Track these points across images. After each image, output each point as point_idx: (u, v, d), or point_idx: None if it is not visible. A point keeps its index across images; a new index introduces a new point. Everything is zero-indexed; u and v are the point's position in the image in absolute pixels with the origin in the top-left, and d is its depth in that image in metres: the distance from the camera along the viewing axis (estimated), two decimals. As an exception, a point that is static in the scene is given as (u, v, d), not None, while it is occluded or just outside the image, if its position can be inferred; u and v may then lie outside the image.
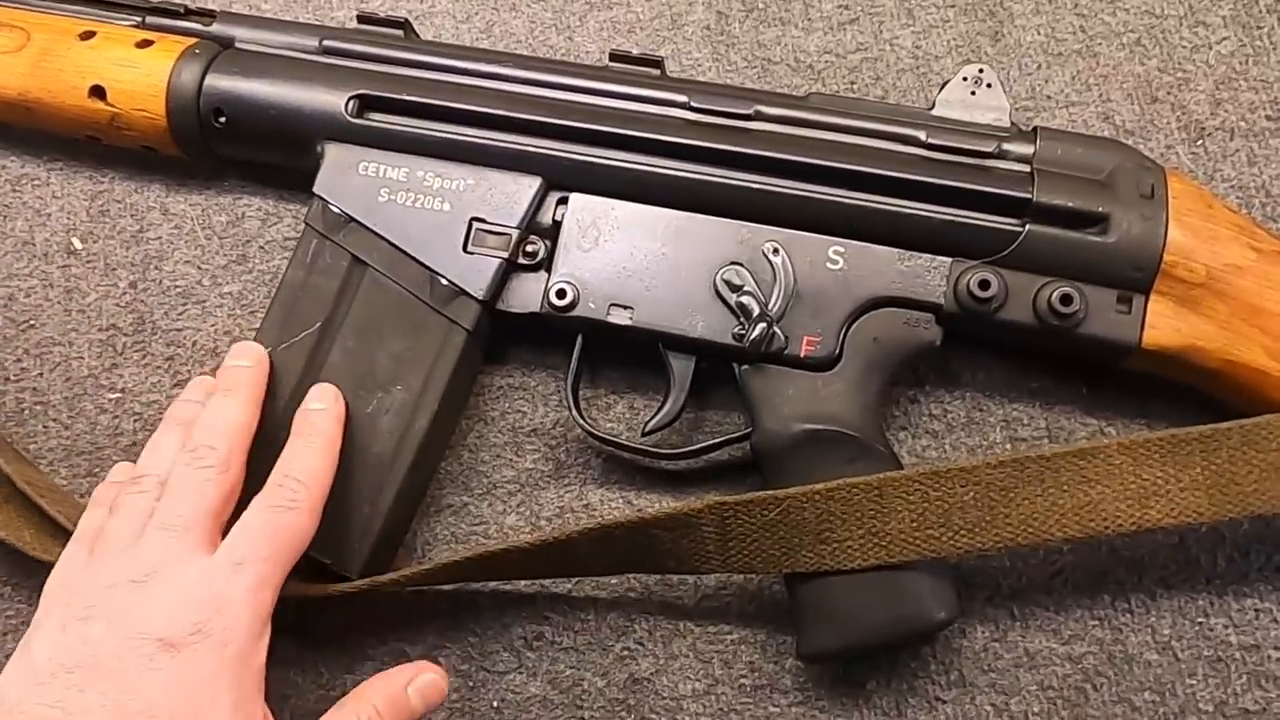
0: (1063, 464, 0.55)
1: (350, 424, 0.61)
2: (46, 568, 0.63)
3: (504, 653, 0.63)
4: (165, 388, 0.69)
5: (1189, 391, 0.61)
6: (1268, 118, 0.68)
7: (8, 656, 0.65)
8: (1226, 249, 0.58)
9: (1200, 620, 0.61)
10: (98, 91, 0.66)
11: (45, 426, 0.69)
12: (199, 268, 0.71)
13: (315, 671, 0.64)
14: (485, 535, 0.65)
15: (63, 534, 0.62)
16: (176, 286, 0.71)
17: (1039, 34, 0.71)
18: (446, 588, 0.64)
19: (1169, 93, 0.69)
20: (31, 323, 0.71)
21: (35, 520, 0.64)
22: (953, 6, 0.72)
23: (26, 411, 0.69)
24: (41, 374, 0.70)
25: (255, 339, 0.63)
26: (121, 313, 0.70)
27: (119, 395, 0.69)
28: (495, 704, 0.63)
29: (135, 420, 0.69)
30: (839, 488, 0.56)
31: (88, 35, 0.67)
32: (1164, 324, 0.58)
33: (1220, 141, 0.68)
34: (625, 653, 0.63)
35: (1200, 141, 0.68)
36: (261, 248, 0.71)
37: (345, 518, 0.60)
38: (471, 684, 0.63)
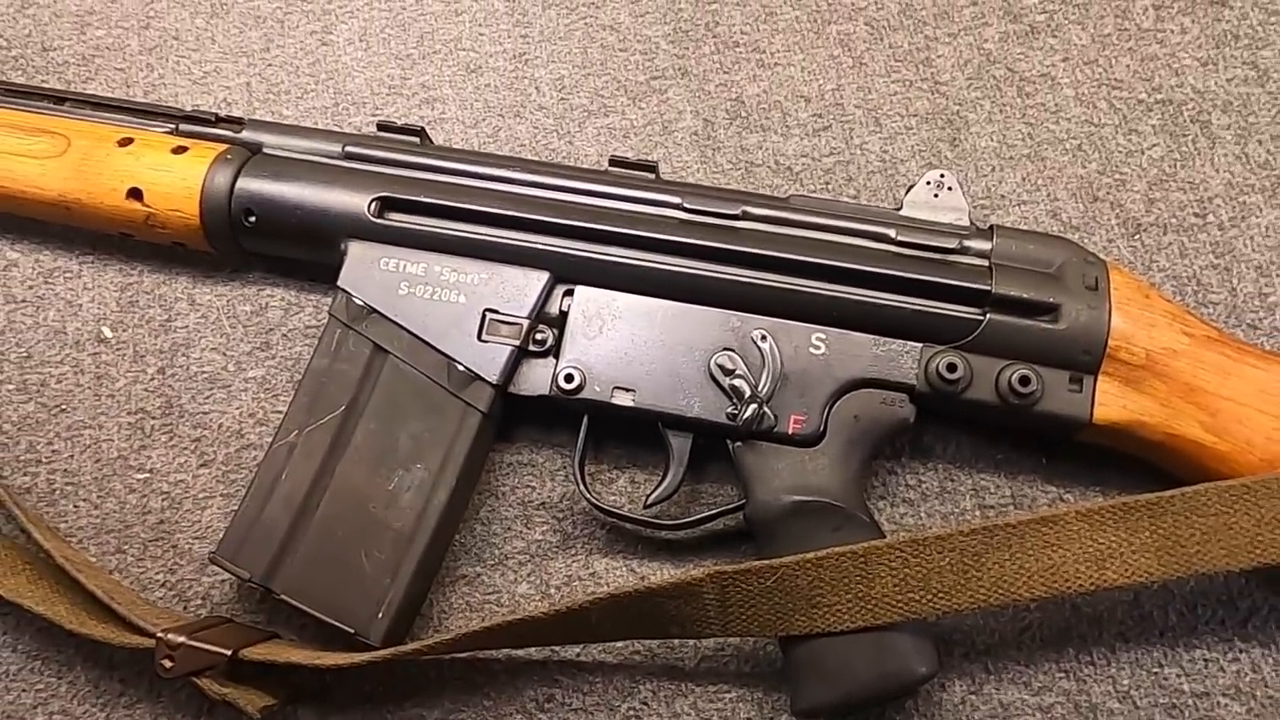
0: (1028, 530, 0.61)
1: (373, 500, 0.66)
2: (80, 641, 0.67)
3: (517, 715, 0.67)
4: (192, 468, 0.73)
5: (1137, 462, 0.68)
6: (1196, 215, 0.77)
7: (37, 730, 0.68)
8: (1163, 334, 0.65)
9: (1156, 670, 0.67)
10: (135, 194, 0.71)
11: (76, 506, 0.73)
12: (224, 354, 0.76)
13: (337, 737, 0.67)
14: (498, 604, 0.70)
15: (98, 607, 0.65)
16: (203, 372, 0.75)
17: (992, 140, 0.79)
18: (461, 655, 0.68)
19: (1108, 192, 0.78)
20: (63, 407, 0.75)
21: (69, 595, 0.67)
22: (915, 115, 0.80)
23: (58, 492, 0.73)
24: (72, 456, 0.74)
25: (283, 423, 0.67)
26: (150, 397, 0.75)
27: (147, 475, 0.73)
28: (510, 764, 0.67)
29: (163, 499, 0.73)
30: (828, 556, 0.61)
31: (126, 141, 0.73)
32: (1111, 401, 0.64)
33: (1155, 236, 0.76)
34: (631, 713, 0.67)
35: (1137, 236, 0.76)
36: (284, 335, 0.76)
37: (368, 589, 0.65)
38: (486, 746, 0.67)
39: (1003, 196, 0.78)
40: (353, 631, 0.64)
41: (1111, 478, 0.70)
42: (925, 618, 0.61)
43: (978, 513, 0.71)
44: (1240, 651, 0.67)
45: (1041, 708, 0.66)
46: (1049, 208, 0.77)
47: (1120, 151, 0.79)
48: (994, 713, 0.67)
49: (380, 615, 0.64)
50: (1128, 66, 0.81)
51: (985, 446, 0.72)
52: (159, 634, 0.63)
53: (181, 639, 0.63)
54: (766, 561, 0.61)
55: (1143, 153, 0.78)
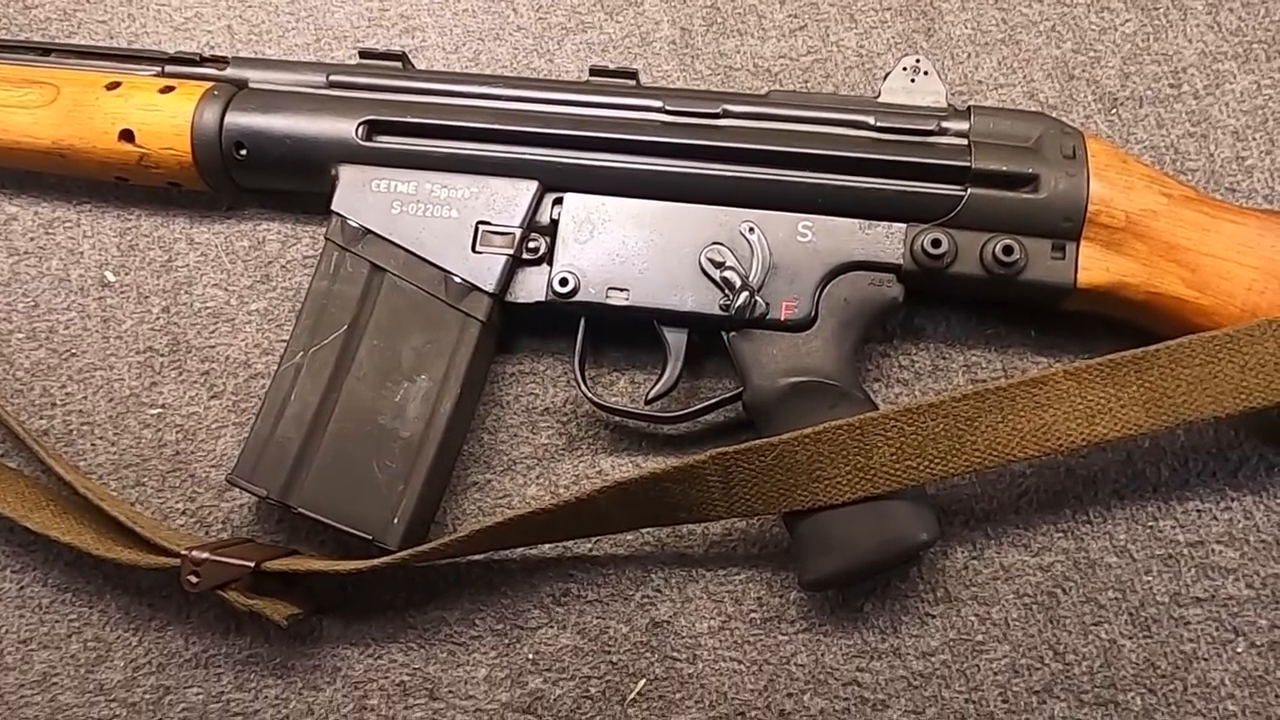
0: (1018, 392, 0.62)
1: (382, 413, 0.67)
2: (106, 568, 0.69)
3: (535, 610, 0.70)
4: (203, 400, 0.75)
5: (1124, 328, 0.69)
6: (1171, 85, 0.78)
7: (73, 658, 0.71)
8: (1141, 196, 0.66)
9: (1150, 524, 0.69)
10: (127, 135, 0.73)
11: (93, 445, 0.75)
12: (226, 289, 0.77)
13: (363, 643, 0.70)
14: (509, 506, 0.72)
15: (123, 532, 0.68)
16: (206, 308, 0.77)
17: (966, 28, 0.80)
18: (478, 557, 0.70)
19: (1084, 70, 0.78)
20: (73, 351, 0.76)
21: (94, 524, 0.69)
22: (889, 9, 0.81)
23: (75, 432, 0.75)
24: (86, 397, 0.76)
25: (289, 345, 0.69)
26: (157, 336, 0.76)
27: (160, 410, 0.75)
28: (530, 656, 0.69)
29: (177, 432, 0.74)
30: (826, 430, 0.63)
31: (114, 85, 0.74)
32: (1094, 265, 0.66)
33: (1131, 109, 0.77)
34: (645, 600, 0.69)
35: (1114, 110, 0.77)
36: (283, 267, 0.77)
37: (383, 497, 0.66)
38: (507, 641, 0.69)
39: (980, 82, 0.79)
40: (370, 538, 0.66)
41: (1101, 346, 0.71)
42: (923, 484, 0.63)
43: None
44: (1232, 500, 0.69)
45: (1042, 567, 0.68)
46: (1026, 89, 0.78)
47: (1093, 29, 0.79)
48: (996, 575, 0.69)
49: (396, 520, 0.66)
50: (1097, -53, 0.81)
51: (975, 323, 0.73)
52: (183, 551, 0.65)
53: (205, 555, 0.65)
54: (765, 439, 0.63)
55: (1115, 29, 0.79)
